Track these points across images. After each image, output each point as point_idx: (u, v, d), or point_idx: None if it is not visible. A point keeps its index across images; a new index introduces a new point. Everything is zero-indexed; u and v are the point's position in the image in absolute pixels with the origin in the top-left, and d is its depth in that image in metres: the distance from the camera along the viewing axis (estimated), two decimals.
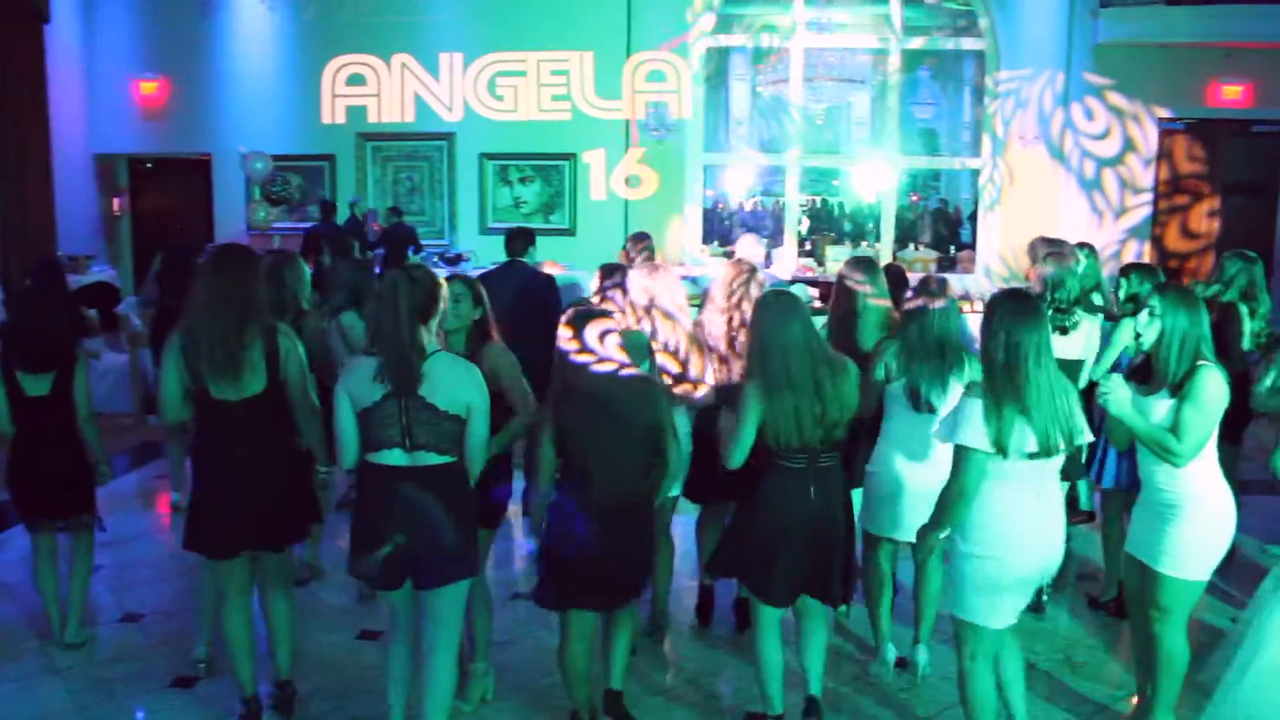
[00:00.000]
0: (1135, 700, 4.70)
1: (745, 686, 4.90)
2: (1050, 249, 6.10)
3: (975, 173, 14.09)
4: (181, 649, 5.18)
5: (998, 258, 13.45)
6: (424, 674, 4.09)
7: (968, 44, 14.01)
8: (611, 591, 4.25)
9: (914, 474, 4.70)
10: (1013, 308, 3.76)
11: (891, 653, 5.08)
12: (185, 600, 5.78)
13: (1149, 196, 13.63)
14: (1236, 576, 6.00)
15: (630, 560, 4.19)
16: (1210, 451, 4.11)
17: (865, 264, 5.39)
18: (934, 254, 14.18)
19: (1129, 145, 13.52)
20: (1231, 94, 13.50)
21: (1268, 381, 5.26)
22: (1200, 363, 4.03)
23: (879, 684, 4.99)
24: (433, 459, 3.89)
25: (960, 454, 3.75)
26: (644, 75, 13.63)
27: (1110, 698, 4.88)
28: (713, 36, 13.96)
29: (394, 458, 3.89)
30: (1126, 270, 6.07)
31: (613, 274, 5.52)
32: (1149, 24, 12.94)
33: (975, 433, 3.69)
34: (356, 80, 14.05)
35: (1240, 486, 5.92)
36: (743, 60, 18.26)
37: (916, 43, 14.14)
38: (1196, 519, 4.09)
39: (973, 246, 14.33)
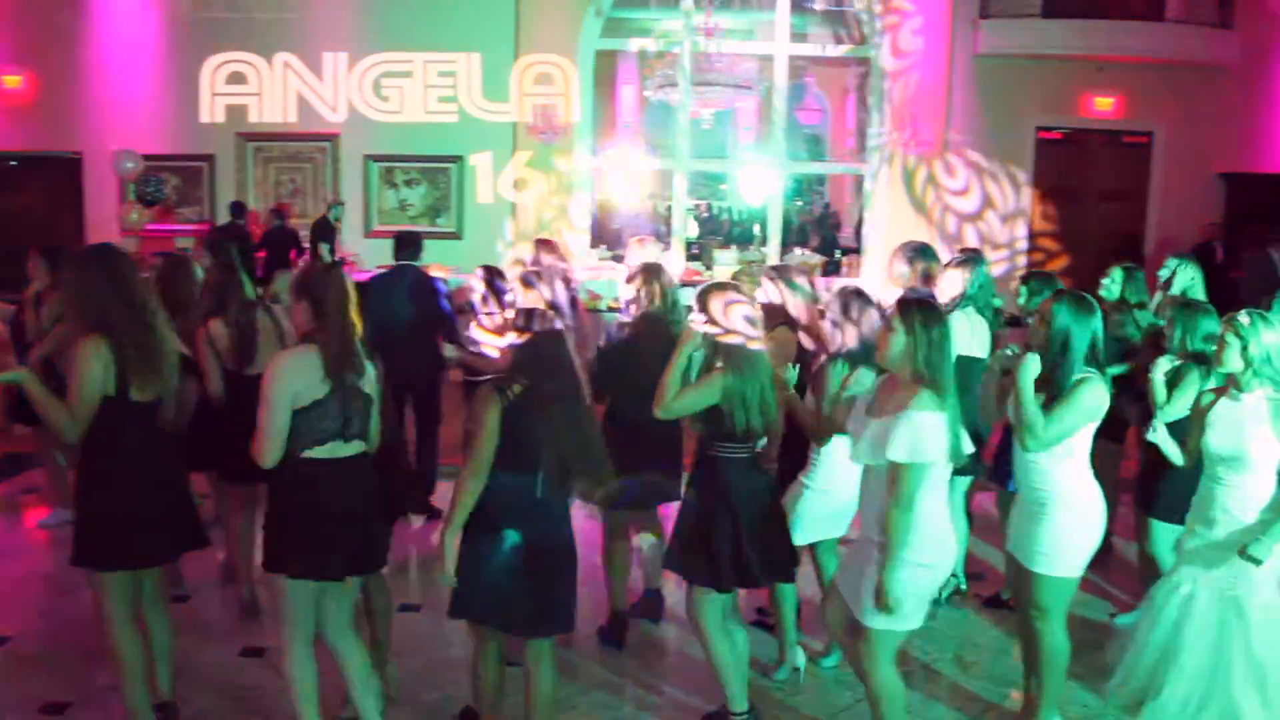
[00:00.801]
0: (1018, 696, 4.80)
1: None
2: (915, 254, 6.14)
3: (861, 178, 14.31)
4: (52, 673, 4.96)
5: (882, 262, 13.68)
6: (348, 662, 4.11)
7: (856, 51, 14.21)
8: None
9: (847, 488, 4.64)
10: (932, 315, 3.87)
11: (801, 658, 5.09)
12: (55, 622, 5.54)
13: (1027, 201, 14.05)
14: (1113, 572, 6.18)
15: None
16: (1081, 450, 4.20)
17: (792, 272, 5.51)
18: (820, 258, 14.36)
19: (1008, 152, 13.91)
20: (1103, 105, 14.01)
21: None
22: (1085, 375, 4.11)
23: (777, 688, 5.00)
24: (358, 447, 4.00)
25: (908, 467, 3.76)
26: (532, 78, 13.54)
27: (999, 696, 4.97)
28: (604, 41, 13.93)
29: (334, 450, 3.92)
30: (1027, 278, 6.24)
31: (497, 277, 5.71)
32: (1026, 35, 13.38)
33: (938, 446, 3.76)
34: (237, 79, 13.68)
35: (1119, 485, 6.11)
36: (631, 64, 18.32)
37: (804, 49, 14.30)
38: (1066, 516, 4.18)
39: (858, 251, 14.57)
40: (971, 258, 5.97)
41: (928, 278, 6.01)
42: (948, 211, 13.91)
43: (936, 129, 13.69)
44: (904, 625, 3.94)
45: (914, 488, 3.77)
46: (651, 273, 5.32)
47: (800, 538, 4.81)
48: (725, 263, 13.47)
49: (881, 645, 3.97)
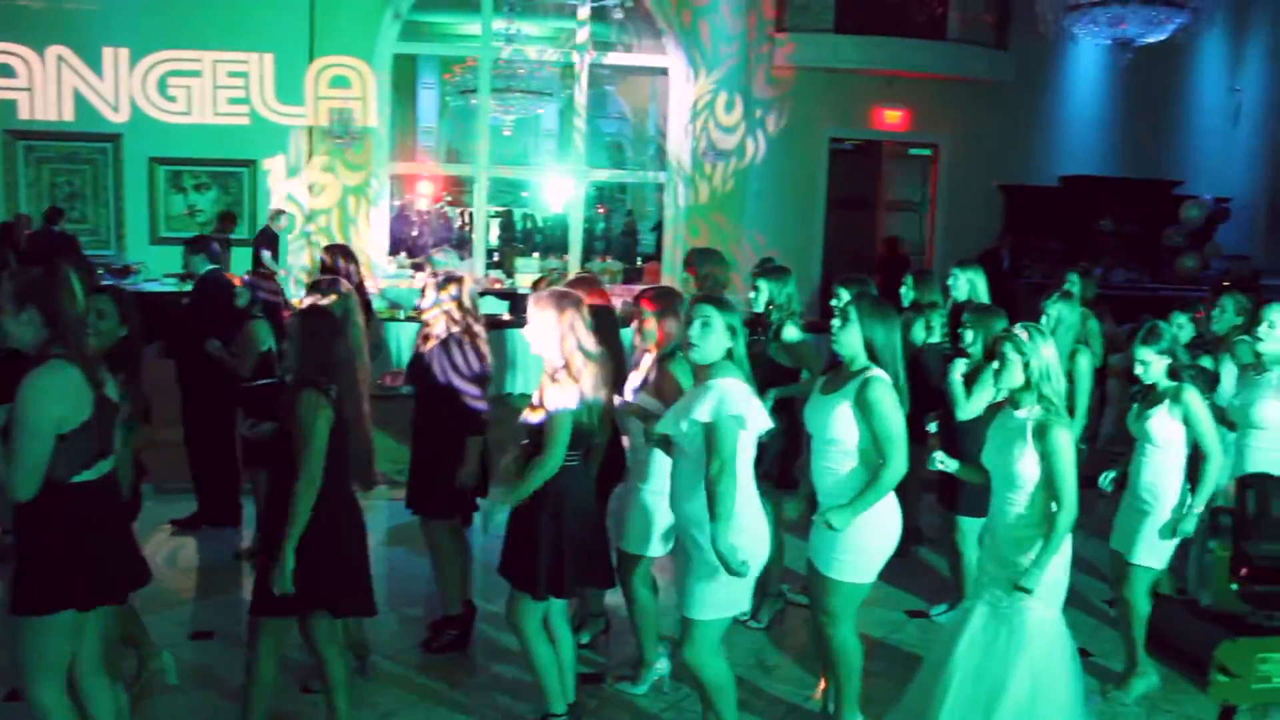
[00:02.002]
0: (818, 694, 4.91)
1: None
2: (709, 260, 6.23)
3: (660, 186, 14.51)
4: None
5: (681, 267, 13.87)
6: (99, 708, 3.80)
7: (654, 61, 14.39)
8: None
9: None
10: (726, 306, 3.99)
11: (667, 666, 5.01)
12: None
13: (821, 207, 14.52)
14: (907, 575, 6.39)
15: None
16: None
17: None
18: (621, 265, 14.48)
19: (803, 162, 14.34)
20: (892, 118, 14.61)
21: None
22: (872, 373, 4.09)
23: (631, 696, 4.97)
24: (113, 461, 3.71)
25: (722, 427, 3.77)
26: (328, 80, 13.18)
27: (802, 698, 5.04)
28: (402, 44, 13.69)
29: (100, 468, 3.60)
30: (845, 281, 6.41)
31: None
32: (819, 50, 13.84)
33: (745, 406, 3.82)
34: (5, 71, 12.85)
35: (924, 485, 6.27)
36: (432, 69, 18.08)
37: (605, 58, 14.40)
38: (859, 523, 4.09)
39: (658, 258, 14.75)
40: (778, 268, 6.08)
41: (717, 283, 6.08)
42: (744, 219, 14.22)
43: (734, 138, 13.99)
44: (726, 612, 3.96)
45: (730, 447, 3.77)
46: (456, 282, 5.24)
47: (633, 545, 4.78)
48: (527, 270, 13.44)
49: (705, 636, 3.97)
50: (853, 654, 4.37)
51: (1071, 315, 5.93)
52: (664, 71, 14.43)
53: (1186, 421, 4.66)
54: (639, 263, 15.39)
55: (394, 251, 14.27)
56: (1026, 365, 4.08)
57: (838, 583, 4.22)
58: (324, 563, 3.93)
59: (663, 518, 4.65)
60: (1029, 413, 4.05)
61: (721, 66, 13.86)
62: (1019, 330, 4.17)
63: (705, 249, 6.51)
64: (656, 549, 4.78)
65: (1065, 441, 3.95)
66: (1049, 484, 3.95)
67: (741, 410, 3.80)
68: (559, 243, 15.34)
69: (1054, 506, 3.96)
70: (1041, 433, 3.97)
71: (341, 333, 4.19)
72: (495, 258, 15.03)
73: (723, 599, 3.96)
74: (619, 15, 10.89)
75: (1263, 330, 5.13)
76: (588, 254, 14.90)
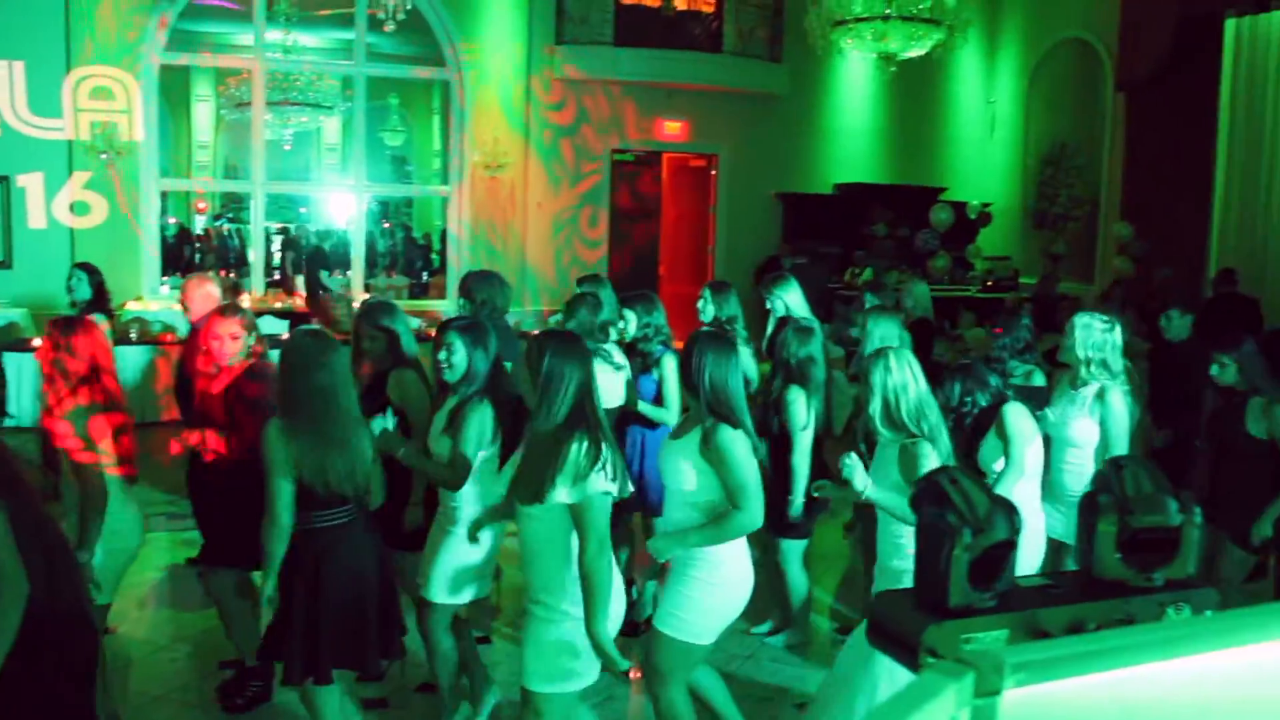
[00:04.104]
0: None
1: None
2: (486, 285, 6.19)
3: (445, 200, 14.39)
4: None
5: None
6: None
7: (435, 73, 14.27)
8: None
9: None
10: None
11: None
12: None
13: (606, 219, 14.68)
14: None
15: None
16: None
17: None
18: (406, 280, 14.30)
19: (586, 174, 14.47)
20: (673, 129, 14.91)
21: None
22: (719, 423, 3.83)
23: None
24: None
25: (596, 504, 3.47)
26: (88, 91, 12.50)
27: None
28: (170, 54, 13.11)
29: None
30: (716, 285, 6.47)
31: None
32: (598, 62, 13.99)
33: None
34: None
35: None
36: (205, 80, 17.48)
37: (385, 70, 14.19)
38: (706, 580, 3.88)
39: (443, 272, 14.61)
40: (643, 294, 5.97)
41: (496, 308, 6.07)
42: (527, 233, 14.23)
43: (514, 150, 13.98)
44: (574, 685, 3.60)
45: (604, 521, 3.47)
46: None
47: (436, 593, 4.43)
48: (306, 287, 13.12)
49: (549, 711, 3.59)
50: (684, 714, 4.00)
51: (890, 329, 5.78)
52: (445, 84, 14.32)
53: (1003, 437, 4.60)
54: (425, 278, 15.22)
55: (167, 272, 13.67)
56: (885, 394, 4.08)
57: (670, 639, 3.92)
58: None
59: (472, 564, 4.41)
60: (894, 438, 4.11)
61: (501, 79, 13.83)
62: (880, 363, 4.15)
63: (482, 272, 6.44)
64: (464, 596, 4.46)
65: (930, 457, 3.97)
66: None
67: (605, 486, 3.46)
68: (341, 259, 15.00)
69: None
70: (905, 453, 4.04)
71: None
72: (276, 275, 14.61)
73: (564, 669, 3.58)
74: (389, 28, 10.72)
75: (1065, 340, 5.18)
76: (371, 270, 14.62)
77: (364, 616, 3.93)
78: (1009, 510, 2.81)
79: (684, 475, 3.84)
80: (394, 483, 4.39)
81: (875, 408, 4.12)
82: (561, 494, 3.43)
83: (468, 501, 4.38)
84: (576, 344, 3.65)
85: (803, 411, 5.25)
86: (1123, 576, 2.85)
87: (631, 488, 3.73)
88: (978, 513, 2.80)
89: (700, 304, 6.32)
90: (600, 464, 3.44)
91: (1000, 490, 4.31)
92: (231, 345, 4.70)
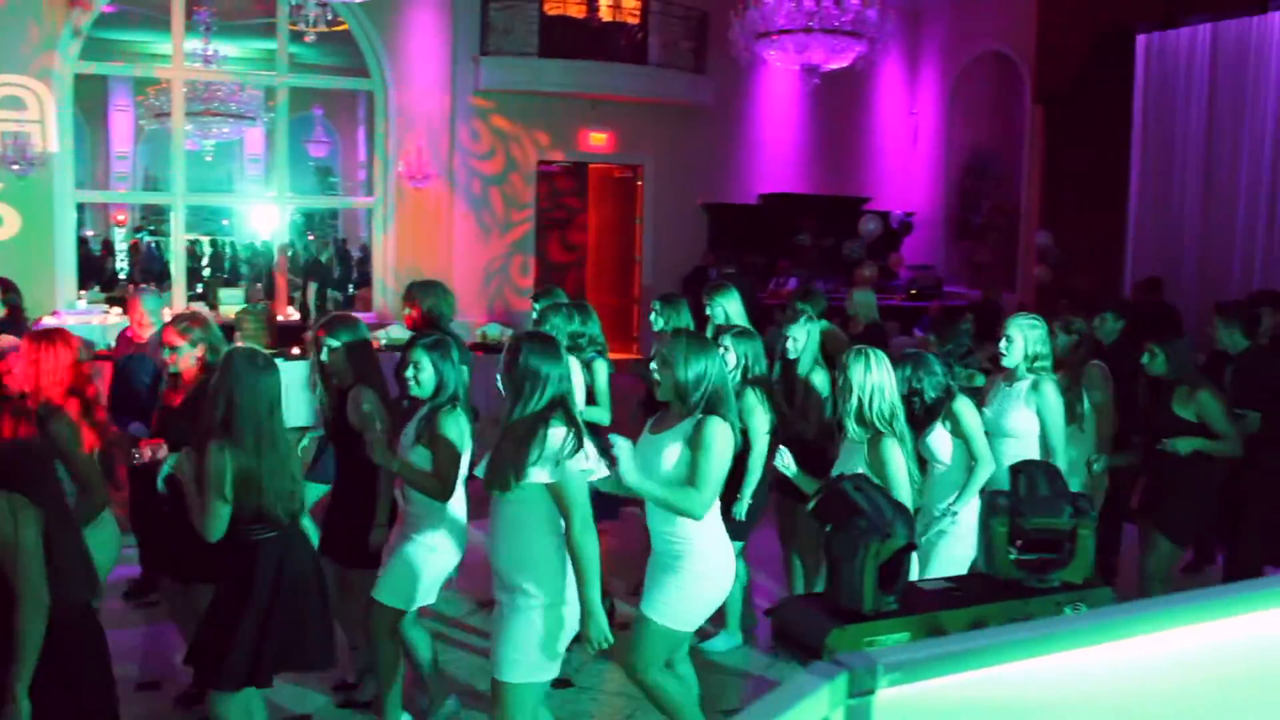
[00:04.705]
0: None
1: None
2: (431, 293, 6.18)
3: (370, 211, 14.27)
4: None
5: (393, 294, 13.68)
6: None
7: (359, 84, 14.15)
8: None
9: (455, 544, 4.49)
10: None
11: None
12: None
13: (530, 224, 14.70)
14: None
15: None
16: (715, 504, 4.02)
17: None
18: (334, 294, 14.16)
19: (511, 184, 14.46)
20: (598, 140, 14.94)
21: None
22: (709, 415, 3.93)
23: None
24: None
25: (576, 482, 3.57)
26: None
27: None
28: (85, 63, 12.85)
29: None
30: (666, 297, 6.47)
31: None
32: (523, 73, 13.99)
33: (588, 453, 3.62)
34: None
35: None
36: (124, 90, 17.20)
37: (308, 80, 14.05)
38: (695, 571, 3.99)
39: (369, 284, 14.49)
40: (580, 303, 6.09)
41: (441, 316, 6.04)
42: (454, 243, 14.17)
43: (440, 161, 13.91)
44: (539, 675, 3.67)
45: (584, 497, 3.57)
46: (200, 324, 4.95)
47: (389, 597, 4.43)
48: (231, 301, 12.94)
49: (520, 703, 3.64)
50: (673, 692, 4.12)
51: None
52: (369, 94, 14.22)
53: (961, 434, 4.72)
54: (351, 290, 15.08)
55: (84, 285, 13.40)
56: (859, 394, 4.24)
57: (659, 626, 4.03)
58: None
59: (430, 572, 4.42)
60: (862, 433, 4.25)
61: (425, 89, 13.77)
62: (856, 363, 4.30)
63: (426, 281, 6.41)
64: (416, 602, 4.47)
65: (896, 454, 4.16)
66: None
67: (589, 463, 3.60)
68: (264, 271, 14.82)
69: None
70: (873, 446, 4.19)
71: None
72: (199, 288, 14.39)
73: (536, 661, 3.64)
74: (310, 39, 10.61)
75: (1003, 345, 5.24)
76: (297, 281, 14.47)
77: (303, 620, 3.96)
78: (908, 516, 2.86)
79: (665, 459, 3.95)
80: (357, 503, 4.43)
81: (849, 405, 4.27)
82: (539, 474, 3.51)
83: (432, 509, 4.39)
84: (553, 345, 3.74)
85: (762, 417, 5.29)
86: (1015, 577, 2.91)
87: (607, 469, 3.78)
88: (885, 518, 2.85)
89: (652, 316, 6.37)
90: (580, 449, 3.55)
91: (976, 484, 4.60)
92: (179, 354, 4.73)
